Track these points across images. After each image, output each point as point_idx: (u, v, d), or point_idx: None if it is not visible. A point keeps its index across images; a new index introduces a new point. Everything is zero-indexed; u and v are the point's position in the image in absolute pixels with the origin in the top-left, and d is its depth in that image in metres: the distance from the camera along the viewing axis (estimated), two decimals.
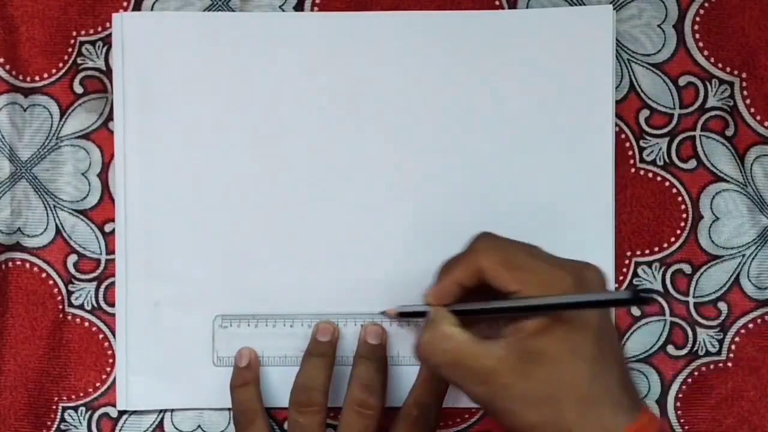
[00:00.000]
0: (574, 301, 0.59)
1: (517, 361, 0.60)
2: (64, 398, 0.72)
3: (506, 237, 0.64)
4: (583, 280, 0.61)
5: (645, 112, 0.72)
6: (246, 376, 0.70)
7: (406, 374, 0.70)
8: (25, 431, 0.72)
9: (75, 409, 0.72)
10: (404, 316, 0.69)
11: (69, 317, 0.72)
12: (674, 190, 0.72)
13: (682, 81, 0.72)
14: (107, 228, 0.72)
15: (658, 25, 0.72)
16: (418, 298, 0.66)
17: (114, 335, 0.72)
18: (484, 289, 0.62)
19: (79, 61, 0.72)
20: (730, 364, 0.72)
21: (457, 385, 0.62)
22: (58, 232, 0.72)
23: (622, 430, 0.59)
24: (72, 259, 0.72)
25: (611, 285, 0.71)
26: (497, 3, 0.72)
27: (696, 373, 0.72)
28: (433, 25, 0.71)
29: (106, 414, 0.72)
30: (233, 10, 0.72)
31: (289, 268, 0.71)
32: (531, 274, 0.61)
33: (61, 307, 0.72)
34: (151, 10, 0.72)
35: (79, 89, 0.72)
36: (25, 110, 0.72)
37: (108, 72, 0.72)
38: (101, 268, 0.72)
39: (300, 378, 0.69)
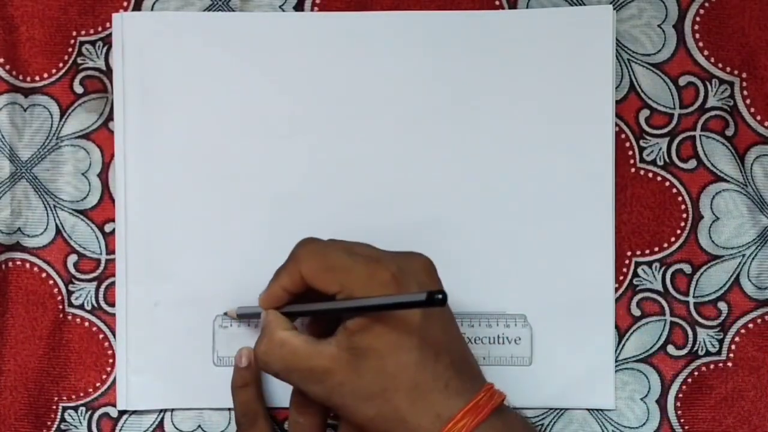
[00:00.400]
0: (370, 305, 0.61)
1: (347, 358, 0.62)
2: (64, 398, 0.72)
3: (326, 239, 0.65)
4: (404, 271, 0.62)
5: (645, 112, 0.72)
6: (246, 376, 0.70)
7: None
8: (25, 431, 0.72)
9: (75, 408, 0.72)
10: (243, 317, 0.70)
11: (69, 317, 0.72)
12: (674, 190, 0.72)
13: (682, 81, 0.72)
14: (107, 228, 0.72)
15: (658, 25, 0.72)
16: None
17: (114, 335, 0.72)
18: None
19: (79, 61, 0.72)
20: (730, 364, 0.72)
21: (298, 387, 0.64)
22: (58, 232, 0.72)
23: (455, 413, 0.61)
24: (72, 259, 0.72)
25: (611, 285, 0.71)
26: (497, 3, 0.72)
27: (696, 373, 0.72)
28: (433, 25, 0.71)
29: (107, 414, 0.72)
30: (233, 10, 0.72)
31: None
32: (348, 274, 0.62)
33: (61, 307, 0.72)
34: (151, 10, 0.72)
35: (79, 89, 0.72)
36: (25, 110, 0.72)
37: (108, 72, 0.72)
38: (101, 268, 0.72)
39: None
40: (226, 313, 0.71)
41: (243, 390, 0.69)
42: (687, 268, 0.72)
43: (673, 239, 0.72)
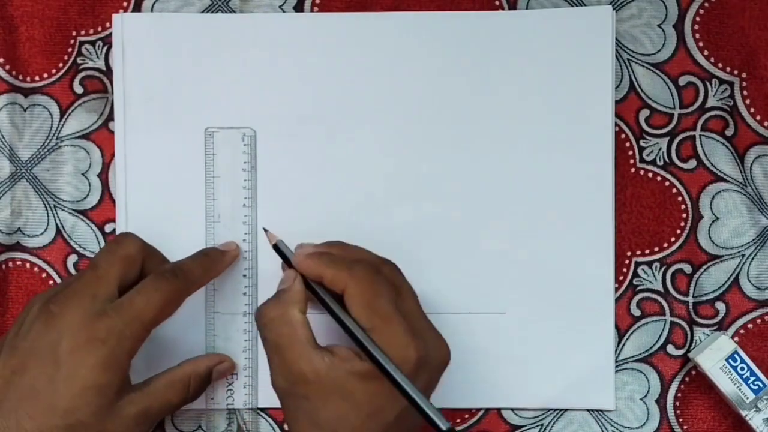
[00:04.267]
0: (400, 384, 0.61)
1: (328, 384, 0.62)
2: None
3: (388, 270, 0.65)
4: (427, 360, 0.62)
5: (645, 112, 0.72)
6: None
7: None
8: None
9: None
10: (277, 251, 0.68)
11: None
12: (674, 190, 0.72)
13: (682, 81, 0.72)
14: (107, 228, 0.72)
15: (658, 25, 0.72)
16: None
17: None
18: None
19: (79, 61, 0.72)
20: None
21: (270, 362, 0.64)
22: (58, 232, 0.72)
23: None
24: (72, 259, 0.72)
25: (611, 285, 0.71)
26: (497, 3, 0.72)
27: (695, 373, 0.72)
28: (433, 25, 0.71)
29: None
30: (233, 11, 0.72)
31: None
32: (385, 328, 0.62)
33: None
34: (151, 10, 0.72)
35: (79, 89, 0.72)
36: (25, 110, 0.72)
37: (108, 72, 0.72)
38: None
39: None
40: (266, 230, 0.69)
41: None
42: (687, 268, 0.72)
43: (673, 239, 0.72)
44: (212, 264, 0.69)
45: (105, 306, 0.63)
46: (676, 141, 0.72)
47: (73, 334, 0.62)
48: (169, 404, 0.67)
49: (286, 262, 0.67)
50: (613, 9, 0.71)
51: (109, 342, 0.63)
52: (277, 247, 0.68)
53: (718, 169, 0.72)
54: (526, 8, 0.71)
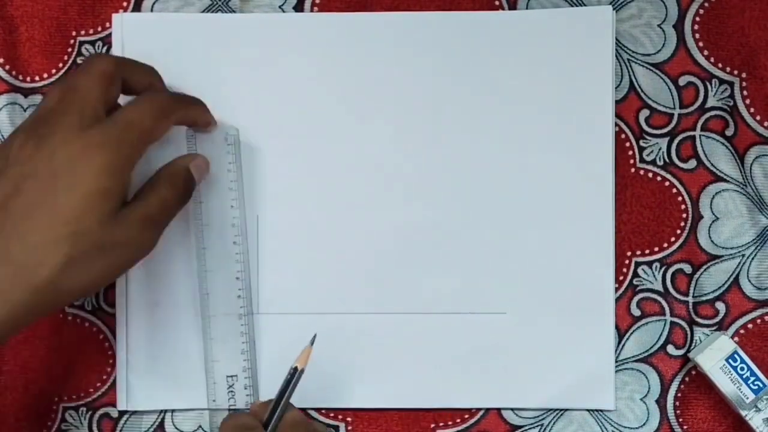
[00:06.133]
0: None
1: None
2: (65, 398, 0.72)
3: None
4: None
5: (645, 112, 0.72)
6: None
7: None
8: (25, 431, 0.72)
9: (76, 409, 0.72)
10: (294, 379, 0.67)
11: (69, 317, 0.72)
12: (674, 190, 0.72)
13: (682, 81, 0.72)
14: None
15: (658, 25, 0.72)
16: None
17: (114, 335, 0.72)
18: None
19: (79, 61, 0.72)
20: None
21: None
22: None
23: None
24: None
25: (611, 285, 0.71)
26: (497, 3, 0.72)
27: (695, 373, 0.72)
28: (433, 25, 0.71)
29: (107, 414, 0.72)
30: (233, 11, 0.72)
31: (288, 267, 0.71)
32: None
33: None
34: (151, 10, 0.72)
35: None
36: (25, 110, 0.72)
37: None
38: None
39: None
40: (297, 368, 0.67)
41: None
42: (687, 268, 0.72)
43: (672, 239, 0.72)
44: (201, 105, 0.68)
45: (96, 121, 0.62)
46: (676, 141, 0.72)
47: (67, 145, 0.60)
48: (166, 202, 0.65)
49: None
50: (613, 9, 0.71)
51: (107, 147, 0.61)
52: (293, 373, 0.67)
53: (718, 169, 0.72)
54: (526, 8, 0.71)
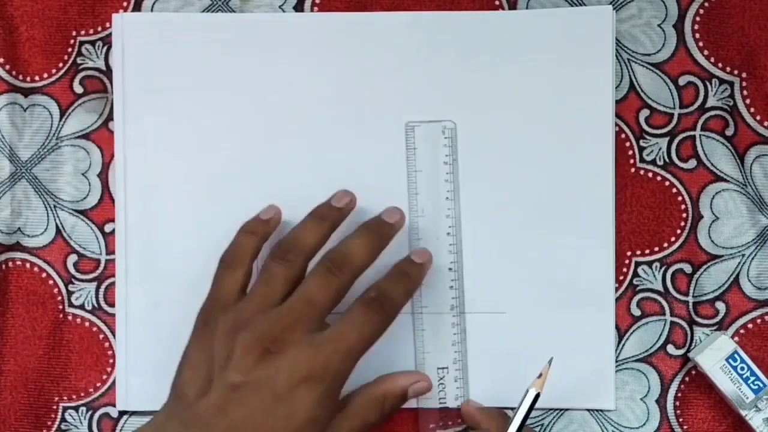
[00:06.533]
0: None
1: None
2: (65, 398, 0.72)
3: None
4: None
5: (645, 112, 0.72)
6: (257, 227, 0.69)
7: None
8: (25, 431, 0.72)
9: (76, 409, 0.72)
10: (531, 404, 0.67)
11: (69, 317, 0.72)
12: (674, 190, 0.72)
13: (682, 81, 0.72)
14: (107, 228, 0.72)
15: (658, 25, 0.72)
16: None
17: (114, 335, 0.72)
18: None
19: (78, 61, 0.72)
20: None
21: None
22: (58, 232, 0.72)
23: None
24: (72, 259, 0.72)
25: (611, 285, 0.71)
26: (497, 3, 0.72)
27: (695, 373, 0.72)
28: (433, 25, 0.71)
29: (107, 414, 0.72)
30: (233, 10, 0.72)
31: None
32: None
33: (61, 307, 0.72)
34: (151, 10, 0.72)
35: (79, 89, 0.72)
36: (25, 110, 0.72)
37: (108, 72, 0.72)
38: (101, 268, 0.72)
39: (292, 232, 0.67)
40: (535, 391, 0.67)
41: (247, 235, 0.68)
42: (687, 268, 0.72)
43: (673, 239, 0.72)
44: (413, 282, 0.68)
45: (318, 339, 0.64)
46: (676, 141, 0.72)
47: (291, 373, 0.63)
48: (366, 423, 0.67)
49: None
50: (613, 9, 0.71)
51: (326, 379, 0.64)
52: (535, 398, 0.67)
53: (718, 169, 0.72)
54: (526, 8, 0.71)
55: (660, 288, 0.72)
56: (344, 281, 0.65)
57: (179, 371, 0.66)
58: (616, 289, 0.71)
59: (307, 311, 0.64)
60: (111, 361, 0.72)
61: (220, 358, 0.64)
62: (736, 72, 0.72)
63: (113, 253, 0.72)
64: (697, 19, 0.72)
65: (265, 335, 0.64)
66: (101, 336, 0.72)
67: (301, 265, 0.66)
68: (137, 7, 0.72)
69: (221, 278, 0.67)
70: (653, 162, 0.72)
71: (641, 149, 0.72)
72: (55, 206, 0.72)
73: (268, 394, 0.63)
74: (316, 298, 0.65)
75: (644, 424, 0.71)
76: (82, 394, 0.72)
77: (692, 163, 0.72)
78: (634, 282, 0.72)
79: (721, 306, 0.72)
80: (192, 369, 0.65)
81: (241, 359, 0.63)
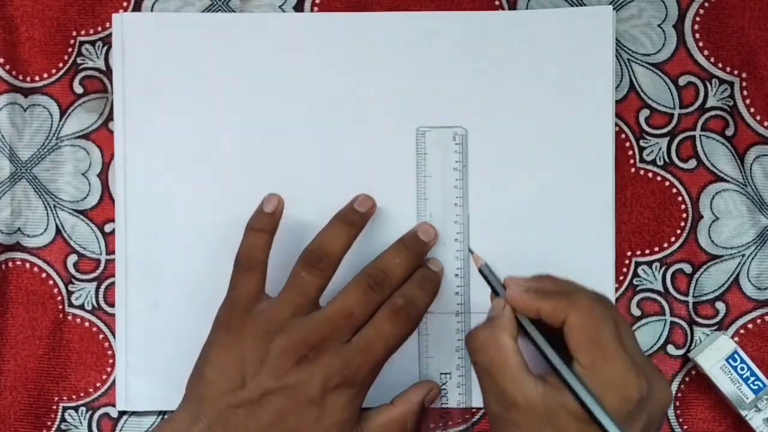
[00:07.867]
0: (596, 415, 0.59)
1: (541, 413, 0.60)
2: (65, 398, 0.72)
3: (607, 302, 0.62)
4: (648, 400, 0.60)
5: (645, 112, 0.72)
6: (266, 222, 0.69)
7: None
8: (25, 431, 0.72)
9: (75, 409, 0.72)
10: (483, 275, 0.66)
11: (69, 317, 0.72)
12: (674, 190, 0.72)
13: (682, 81, 0.72)
14: (107, 228, 0.72)
15: (658, 25, 0.72)
16: None
17: (114, 335, 0.72)
18: None
19: (79, 61, 0.72)
20: None
21: (481, 386, 0.63)
22: (58, 232, 0.72)
23: None
24: (72, 259, 0.72)
25: (611, 285, 0.71)
26: (497, 3, 0.72)
27: (695, 373, 0.72)
28: (433, 25, 0.71)
29: (107, 414, 0.72)
30: (233, 11, 0.72)
31: (289, 267, 0.71)
32: (607, 364, 0.59)
33: (61, 307, 0.72)
34: (151, 10, 0.72)
35: (79, 89, 0.72)
36: (25, 110, 0.72)
37: (108, 72, 0.72)
38: (101, 268, 0.72)
39: (320, 238, 0.68)
40: (471, 252, 0.68)
41: (257, 234, 0.68)
42: (687, 268, 0.72)
43: (673, 239, 0.72)
44: (435, 289, 0.69)
45: (349, 349, 0.65)
46: (676, 141, 0.72)
47: (326, 380, 0.65)
48: None
49: (493, 289, 0.65)
50: (613, 9, 0.71)
51: (356, 385, 0.65)
52: (482, 272, 0.66)
53: (718, 169, 0.72)
54: (526, 8, 0.71)
55: (660, 288, 0.72)
56: (382, 298, 0.67)
57: (200, 373, 0.66)
58: (616, 289, 0.71)
59: (344, 324, 0.66)
60: (111, 361, 0.72)
61: (252, 361, 0.65)
62: (736, 72, 0.72)
63: (113, 253, 0.72)
64: (697, 19, 0.72)
65: (304, 342, 0.65)
66: (101, 336, 0.72)
67: (331, 273, 0.67)
68: (137, 7, 0.72)
69: (239, 281, 0.67)
70: (653, 162, 0.72)
71: (641, 149, 0.72)
72: (55, 206, 0.72)
73: (301, 399, 0.64)
74: (356, 312, 0.66)
75: None
76: (82, 394, 0.72)
77: (692, 163, 0.72)
78: (634, 282, 0.72)
79: (721, 306, 0.72)
80: (217, 371, 0.65)
81: (278, 363, 0.64)
